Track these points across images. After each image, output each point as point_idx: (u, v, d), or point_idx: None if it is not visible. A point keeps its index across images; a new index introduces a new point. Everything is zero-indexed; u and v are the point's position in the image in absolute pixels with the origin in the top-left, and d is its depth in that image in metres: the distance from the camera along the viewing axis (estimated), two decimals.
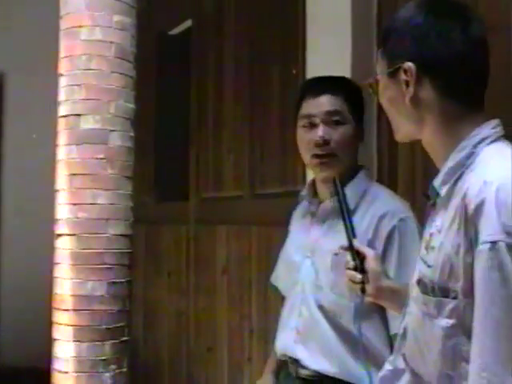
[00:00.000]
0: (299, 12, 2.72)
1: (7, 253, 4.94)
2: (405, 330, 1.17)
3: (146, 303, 4.16)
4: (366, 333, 1.51)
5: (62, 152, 2.04)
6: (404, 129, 1.16)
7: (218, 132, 3.49)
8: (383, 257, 1.54)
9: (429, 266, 1.05)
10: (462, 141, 1.05)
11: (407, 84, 1.09)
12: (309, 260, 1.71)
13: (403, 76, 1.09)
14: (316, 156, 1.69)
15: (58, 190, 2.05)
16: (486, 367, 0.89)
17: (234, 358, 3.22)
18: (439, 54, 1.06)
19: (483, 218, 0.92)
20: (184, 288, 3.74)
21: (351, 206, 1.50)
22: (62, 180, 2.03)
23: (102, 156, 2.00)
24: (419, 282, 1.08)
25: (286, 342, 1.73)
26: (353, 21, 2.39)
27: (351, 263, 1.37)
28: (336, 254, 1.60)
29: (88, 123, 2.00)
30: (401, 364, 1.17)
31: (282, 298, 1.89)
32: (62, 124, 2.05)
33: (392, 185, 2.26)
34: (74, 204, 2.00)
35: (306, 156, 1.73)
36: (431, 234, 1.08)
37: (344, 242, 1.40)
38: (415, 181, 2.25)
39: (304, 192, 1.82)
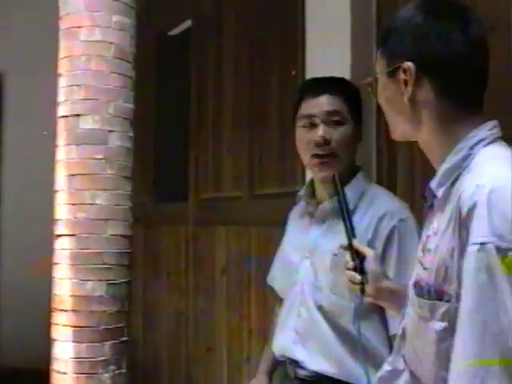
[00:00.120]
0: (299, 12, 2.72)
1: (7, 253, 4.94)
2: (404, 330, 1.17)
3: (146, 304, 4.16)
4: (365, 333, 1.51)
5: (62, 152, 2.04)
6: (401, 128, 1.16)
7: (217, 132, 3.49)
8: (383, 257, 1.54)
9: (425, 269, 1.05)
10: (459, 142, 1.05)
11: (406, 84, 1.09)
12: (307, 260, 1.71)
13: (402, 75, 1.09)
14: (316, 156, 1.69)
15: (57, 191, 2.05)
16: (470, 369, 0.89)
17: (234, 359, 3.22)
18: (439, 54, 1.06)
19: (474, 221, 0.92)
20: (183, 288, 3.74)
21: (350, 206, 1.50)
22: (61, 180, 2.03)
23: (101, 156, 2.00)
24: (415, 284, 1.08)
25: (285, 342, 1.72)
26: (352, 21, 2.39)
27: (351, 263, 1.36)
28: (335, 255, 1.60)
29: (87, 123, 2.00)
30: (400, 365, 1.17)
31: (281, 300, 1.89)
32: (61, 124, 2.05)
33: (391, 185, 2.26)
34: (73, 204, 2.00)
35: (306, 156, 1.72)
36: (428, 236, 1.08)
37: (343, 242, 1.40)
38: (414, 181, 2.24)
39: (302, 192, 1.81)
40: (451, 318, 0.96)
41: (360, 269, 1.35)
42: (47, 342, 2.06)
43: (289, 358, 1.71)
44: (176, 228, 3.88)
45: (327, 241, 1.66)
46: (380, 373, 1.23)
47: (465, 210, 0.94)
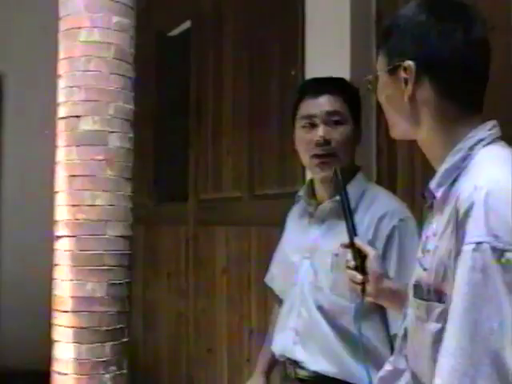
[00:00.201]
0: (298, 12, 2.72)
1: (7, 254, 4.94)
2: (405, 331, 1.16)
3: (146, 304, 4.16)
4: (365, 333, 1.51)
5: (62, 153, 2.04)
6: (400, 127, 1.15)
7: (217, 133, 3.49)
8: (383, 257, 1.54)
9: (425, 269, 1.04)
10: (458, 143, 1.05)
11: (406, 82, 1.08)
12: (307, 261, 1.70)
13: (403, 74, 1.08)
14: (316, 156, 1.69)
15: (57, 192, 2.05)
16: (459, 367, 0.89)
17: (234, 359, 3.22)
18: (440, 54, 1.05)
19: (471, 221, 0.92)
20: (183, 289, 3.74)
21: (351, 206, 1.49)
22: (61, 181, 2.03)
23: (101, 157, 2.00)
24: (415, 285, 1.08)
25: (285, 343, 1.72)
26: (352, 21, 2.39)
27: (352, 263, 1.36)
28: (336, 255, 1.60)
29: (87, 124, 2.00)
30: (402, 365, 1.17)
31: (280, 300, 1.88)
32: (61, 125, 2.05)
33: (391, 185, 2.26)
34: (74, 205, 2.00)
35: (306, 156, 1.72)
36: (427, 237, 1.08)
37: (345, 240, 1.40)
38: (414, 181, 2.25)
39: (301, 192, 1.81)
40: (446, 320, 0.96)
41: (361, 268, 1.35)
42: (48, 343, 2.06)
43: (289, 359, 1.71)
44: (176, 229, 3.88)
45: (327, 241, 1.66)
46: (381, 373, 1.23)
47: (462, 211, 0.94)
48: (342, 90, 1.73)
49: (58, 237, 2.03)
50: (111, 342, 1.98)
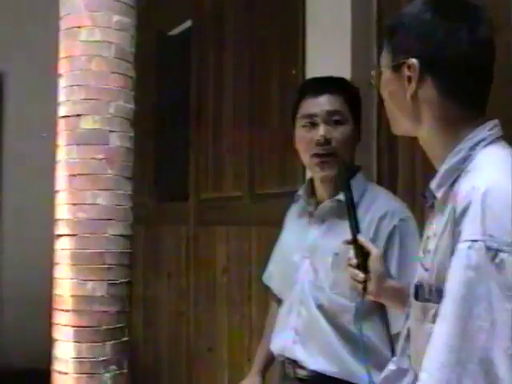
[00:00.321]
0: (299, 12, 2.72)
1: (8, 253, 4.94)
2: (408, 331, 1.16)
3: (146, 303, 4.16)
4: (366, 332, 1.51)
5: (62, 152, 2.04)
6: (402, 124, 1.15)
7: (217, 132, 3.49)
8: (384, 257, 1.54)
9: (426, 270, 1.04)
10: (459, 143, 1.04)
11: (409, 80, 1.07)
12: (307, 260, 1.70)
13: (406, 72, 1.08)
14: (316, 155, 1.69)
15: (57, 191, 2.05)
16: (447, 364, 0.89)
17: (234, 359, 3.22)
18: (444, 53, 1.04)
19: (467, 220, 0.92)
20: (184, 288, 3.74)
21: None
22: (61, 180, 2.03)
23: (101, 156, 2.00)
24: (417, 285, 1.08)
25: (285, 342, 1.72)
26: (353, 21, 2.39)
27: (354, 261, 1.35)
28: (336, 254, 1.60)
29: (87, 124, 2.00)
30: (405, 364, 1.17)
31: (279, 300, 1.88)
32: (61, 124, 2.05)
33: (392, 185, 2.26)
34: (74, 204, 2.00)
35: (306, 155, 1.72)
36: (428, 237, 1.08)
37: (347, 237, 1.39)
38: (415, 181, 2.25)
39: (301, 192, 1.81)
40: None
41: (363, 267, 1.34)
42: (48, 342, 2.06)
43: (288, 358, 1.71)
44: (177, 228, 3.88)
45: (327, 240, 1.66)
46: (385, 372, 1.23)
47: (459, 210, 0.94)
48: (343, 89, 1.74)
49: (59, 236, 2.03)
50: (111, 341, 1.98)
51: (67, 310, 1.98)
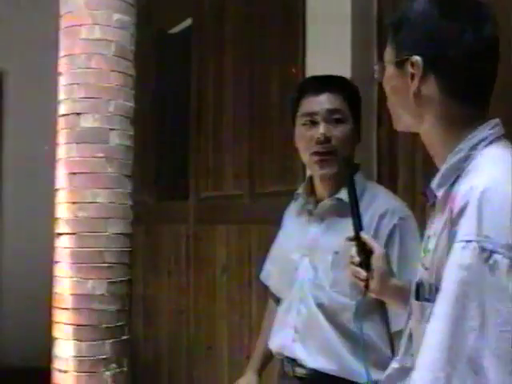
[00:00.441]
0: (299, 10, 2.72)
1: (8, 251, 4.94)
2: (411, 330, 1.16)
3: (146, 302, 4.16)
4: (366, 330, 1.51)
5: (62, 151, 2.04)
6: (403, 119, 1.14)
7: (217, 131, 3.49)
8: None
9: (426, 269, 1.04)
10: (460, 142, 1.04)
11: (413, 77, 1.07)
12: (307, 258, 1.70)
13: (410, 69, 1.07)
14: (316, 153, 1.68)
15: (57, 189, 2.05)
16: (437, 363, 0.89)
17: (234, 357, 3.22)
18: (448, 52, 1.03)
19: (463, 220, 0.92)
20: (184, 287, 3.74)
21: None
22: (61, 179, 2.03)
23: (101, 155, 2.01)
24: (418, 283, 1.07)
25: (284, 341, 1.72)
26: (353, 21, 2.39)
27: (356, 259, 1.34)
28: (336, 253, 1.60)
29: (87, 122, 2.01)
30: (409, 363, 1.17)
31: (278, 299, 1.88)
32: (61, 123, 2.05)
33: (392, 184, 2.26)
34: (74, 203, 2.00)
35: (306, 154, 1.72)
36: (429, 237, 1.08)
37: (348, 235, 1.39)
38: (415, 180, 2.24)
39: (300, 190, 1.81)
40: None
41: (366, 265, 1.33)
42: (48, 341, 2.06)
43: (287, 357, 1.71)
44: (176, 226, 3.88)
45: (327, 239, 1.66)
46: (388, 371, 1.23)
47: (456, 210, 0.94)
48: (343, 88, 1.73)
49: (59, 234, 2.03)
50: (111, 340, 1.99)
51: (67, 309, 1.98)
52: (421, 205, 2.03)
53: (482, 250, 0.88)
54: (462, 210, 0.93)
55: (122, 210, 2.04)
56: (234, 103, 3.35)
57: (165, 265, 4.01)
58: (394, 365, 1.21)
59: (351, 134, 1.71)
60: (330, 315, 1.63)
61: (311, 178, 1.79)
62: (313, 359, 1.64)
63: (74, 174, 2.01)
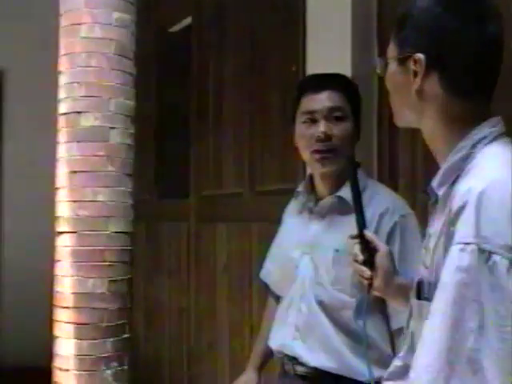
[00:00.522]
0: (300, 9, 2.72)
1: (8, 251, 4.94)
2: (412, 328, 1.16)
3: (147, 300, 4.16)
4: (367, 328, 1.51)
5: (63, 149, 2.04)
6: (405, 116, 1.14)
7: (218, 129, 3.49)
8: None
9: (426, 267, 1.04)
10: (461, 140, 1.03)
11: (415, 74, 1.06)
12: (307, 256, 1.70)
13: (412, 66, 1.06)
14: (317, 151, 1.68)
15: (58, 188, 2.05)
16: (436, 363, 0.88)
17: (235, 355, 3.22)
18: (452, 50, 1.03)
19: (461, 221, 0.91)
20: (185, 285, 3.75)
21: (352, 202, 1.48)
22: (62, 177, 2.03)
23: (102, 153, 2.01)
24: (419, 282, 1.07)
25: (284, 339, 1.72)
26: (353, 20, 2.39)
27: (360, 257, 1.34)
28: (337, 250, 1.60)
29: (88, 121, 2.01)
30: (411, 361, 1.17)
31: (278, 297, 1.88)
32: (62, 121, 2.05)
33: (392, 183, 2.26)
34: (75, 201, 2.01)
35: (306, 152, 1.72)
36: (430, 235, 1.08)
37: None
38: (416, 179, 2.24)
39: (300, 188, 1.81)
40: None
41: (370, 263, 1.32)
42: (49, 339, 2.07)
43: (287, 355, 1.71)
44: (177, 225, 3.88)
45: (328, 236, 1.66)
46: (390, 368, 1.22)
47: (454, 211, 0.94)
48: (343, 86, 1.73)
49: (59, 233, 2.04)
50: (112, 338, 1.99)
51: (68, 307, 1.98)
52: (421, 203, 2.03)
53: (481, 251, 0.88)
54: (459, 211, 0.92)
55: (122, 208, 2.04)
56: (234, 101, 3.35)
57: (165, 263, 4.01)
58: (397, 362, 1.21)
59: (351, 132, 1.71)
60: (331, 313, 1.63)
61: (311, 175, 1.79)
62: (313, 357, 1.64)
63: (75, 172, 2.01)
